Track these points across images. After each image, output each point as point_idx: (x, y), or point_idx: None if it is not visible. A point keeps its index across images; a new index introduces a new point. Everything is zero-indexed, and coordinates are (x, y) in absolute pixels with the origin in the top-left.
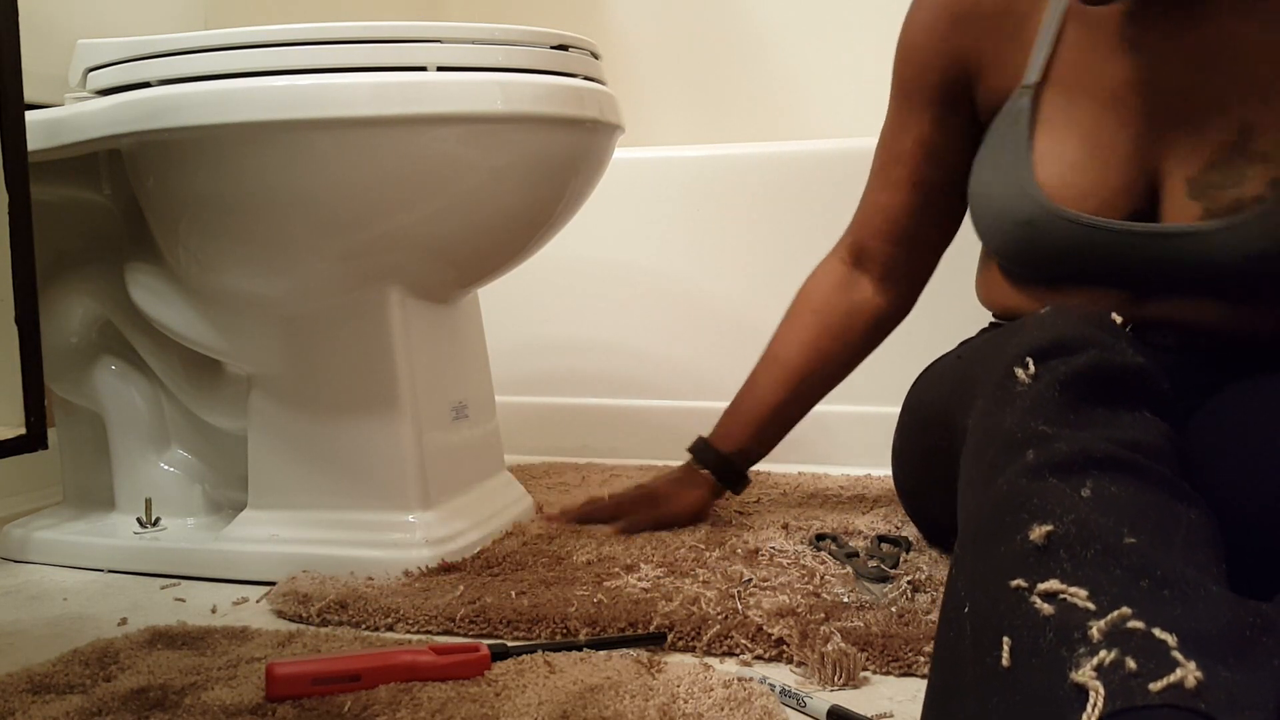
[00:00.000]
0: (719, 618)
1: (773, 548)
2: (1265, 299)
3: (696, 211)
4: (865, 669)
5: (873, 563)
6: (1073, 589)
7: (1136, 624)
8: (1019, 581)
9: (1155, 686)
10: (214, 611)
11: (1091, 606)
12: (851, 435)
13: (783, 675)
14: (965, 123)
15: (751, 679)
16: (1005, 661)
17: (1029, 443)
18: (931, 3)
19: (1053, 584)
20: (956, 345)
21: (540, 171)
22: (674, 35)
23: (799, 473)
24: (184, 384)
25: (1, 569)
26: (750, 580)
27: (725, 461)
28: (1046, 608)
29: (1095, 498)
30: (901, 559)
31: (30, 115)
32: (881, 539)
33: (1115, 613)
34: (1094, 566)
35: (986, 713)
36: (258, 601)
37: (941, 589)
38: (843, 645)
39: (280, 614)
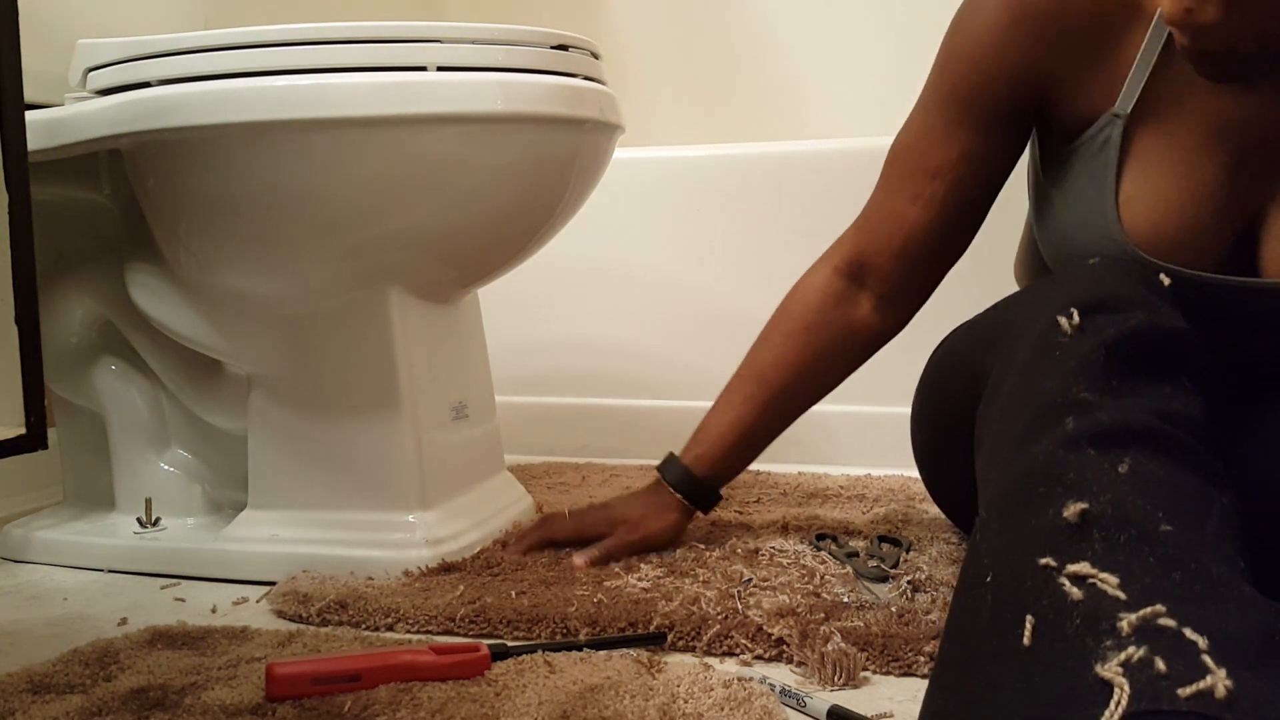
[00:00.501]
0: (719, 618)
1: (773, 548)
2: None
3: (696, 211)
4: (865, 669)
5: (873, 563)
6: (1104, 574)
7: (1168, 622)
8: (1048, 560)
9: (1184, 692)
10: (214, 611)
11: (1122, 596)
12: (851, 435)
13: (783, 675)
14: (1021, 142)
15: (751, 679)
16: (1026, 640)
17: (1069, 409)
18: (1003, 4)
19: (1083, 566)
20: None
21: (540, 171)
22: (674, 35)
23: (799, 473)
24: (184, 384)
25: (1, 569)
26: (750, 580)
27: (698, 484)
28: (1075, 591)
29: (1133, 475)
30: (901, 559)
31: (30, 115)
32: (882, 539)
33: (1148, 608)
34: (1127, 552)
35: (1001, 689)
36: (258, 601)
37: (942, 589)
38: (843, 645)
39: (280, 614)
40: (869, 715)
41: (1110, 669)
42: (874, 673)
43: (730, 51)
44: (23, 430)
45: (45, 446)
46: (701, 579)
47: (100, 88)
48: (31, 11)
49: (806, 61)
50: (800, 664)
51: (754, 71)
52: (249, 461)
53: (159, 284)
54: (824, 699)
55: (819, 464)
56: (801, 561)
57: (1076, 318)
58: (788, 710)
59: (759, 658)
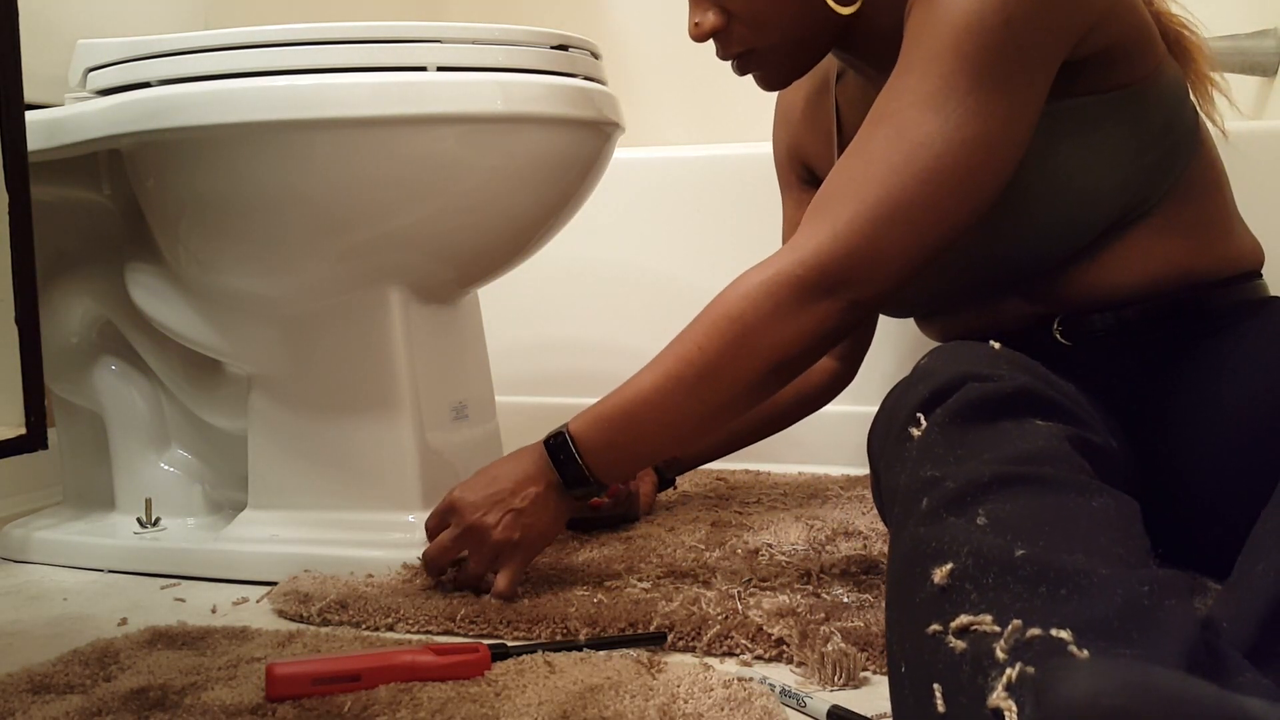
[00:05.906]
0: (719, 618)
1: (773, 548)
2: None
3: (696, 211)
4: (865, 669)
5: None
6: (980, 617)
7: (1034, 631)
8: (935, 626)
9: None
10: (214, 611)
11: (997, 629)
12: (851, 435)
13: (783, 675)
14: None
15: (751, 679)
16: (940, 708)
17: (922, 491)
18: (778, 109)
19: (962, 619)
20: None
21: (540, 171)
22: (674, 35)
23: (799, 473)
24: (184, 384)
25: (1, 569)
26: (750, 580)
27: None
28: (960, 644)
29: (990, 523)
30: None
31: (30, 115)
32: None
33: (1009, 626)
34: (995, 589)
35: None
36: (258, 601)
37: None
38: (843, 645)
39: (280, 614)
40: (869, 715)
41: (997, 697)
42: (874, 673)
43: None
44: (23, 430)
45: (45, 446)
46: (701, 579)
47: (100, 88)
48: (31, 11)
49: None
50: (800, 664)
51: None
52: (249, 461)
53: (159, 284)
54: (824, 699)
55: (819, 464)
56: (801, 561)
57: (923, 421)
58: (788, 710)
59: (759, 658)
